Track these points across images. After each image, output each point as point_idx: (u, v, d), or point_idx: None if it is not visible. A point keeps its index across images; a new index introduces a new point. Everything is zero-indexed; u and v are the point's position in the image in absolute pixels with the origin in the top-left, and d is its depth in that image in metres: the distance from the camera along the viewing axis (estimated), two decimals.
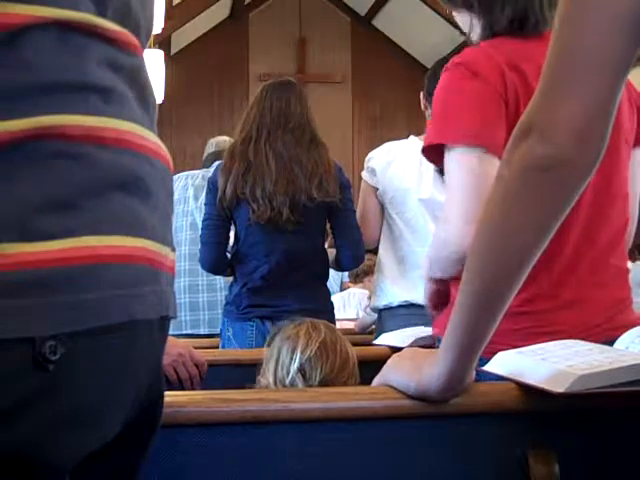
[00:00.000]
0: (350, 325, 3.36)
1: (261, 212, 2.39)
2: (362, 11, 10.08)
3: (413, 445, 1.08)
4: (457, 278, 1.48)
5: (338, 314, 4.09)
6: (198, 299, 3.04)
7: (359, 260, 2.64)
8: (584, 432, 1.11)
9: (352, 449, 1.07)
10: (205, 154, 3.41)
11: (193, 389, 1.71)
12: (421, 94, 2.51)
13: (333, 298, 4.50)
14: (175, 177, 3.02)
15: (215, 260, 2.51)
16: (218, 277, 2.89)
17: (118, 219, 0.70)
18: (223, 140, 3.29)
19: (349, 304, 4.48)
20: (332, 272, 3.43)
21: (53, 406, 0.66)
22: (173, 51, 9.45)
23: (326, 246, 2.67)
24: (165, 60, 6.65)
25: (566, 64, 0.85)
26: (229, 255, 2.55)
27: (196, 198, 3.09)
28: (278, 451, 1.06)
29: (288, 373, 1.47)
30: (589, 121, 0.85)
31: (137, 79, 0.78)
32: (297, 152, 2.43)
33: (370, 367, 1.35)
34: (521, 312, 1.34)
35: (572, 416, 1.11)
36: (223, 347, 2.49)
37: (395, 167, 2.53)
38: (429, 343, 1.69)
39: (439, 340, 1.51)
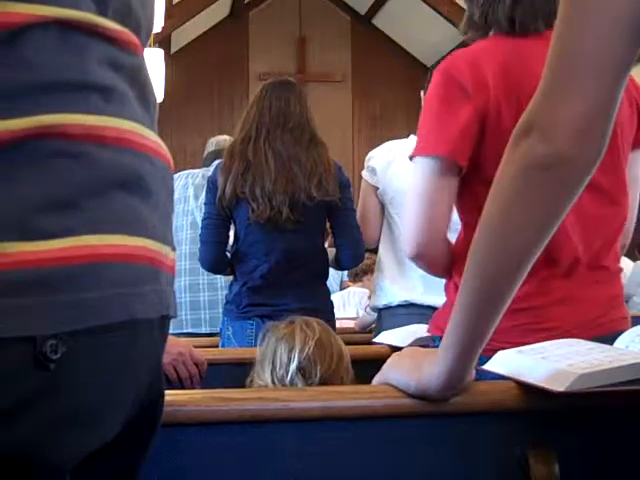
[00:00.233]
0: (350, 324, 3.37)
1: (260, 211, 2.39)
2: (362, 10, 10.08)
3: (413, 444, 1.08)
4: (456, 277, 1.51)
5: (338, 313, 4.09)
6: (199, 298, 3.04)
7: (359, 259, 2.64)
8: (584, 431, 1.11)
9: (352, 448, 1.07)
10: (205, 153, 3.41)
11: (193, 388, 1.71)
12: (421, 93, 2.51)
13: (333, 297, 4.50)
14: (175, 176, 3.02)
15: (215, 259, 2.51)
16: (219, 276, 2.90)
17: (119, 218, 0.70)
18: (223, 139, 3.29)
19: (349, 303, 4.48)
20: (332, 271, 3.43)
21: (54, 405, 0.66)
22: (173, 50, 9.45)
23: (326, 245, 2.66)
24: (165, 59, 6.65)
25: (566, 65, 0.85)
26: (229, 254, 2.55)
27: (196, 197, 3.09)
28: (278, 450, 1.06)
29: (287, 373, 1.47)
30: (589, 121, 0.85)
31: (138, 78, 0.78)
32: (296, 151, 2.43)
33: (370, 366, 1.35)
34: (517, 309, 1.34)
35: (572, 415, 1.11)
36: (223, 346, 2.49)
37: (395, 167, 2.53)
38: (429, 343, 1.69)
39: (435, 340, 1.52)
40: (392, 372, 1.11)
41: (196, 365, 1.74)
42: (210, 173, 2.58)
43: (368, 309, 3.05)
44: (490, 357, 1.18)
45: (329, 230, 2.65)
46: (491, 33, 1.53)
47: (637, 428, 1.11)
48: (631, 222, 1.57)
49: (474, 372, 1.06)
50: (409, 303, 2.54)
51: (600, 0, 0.82)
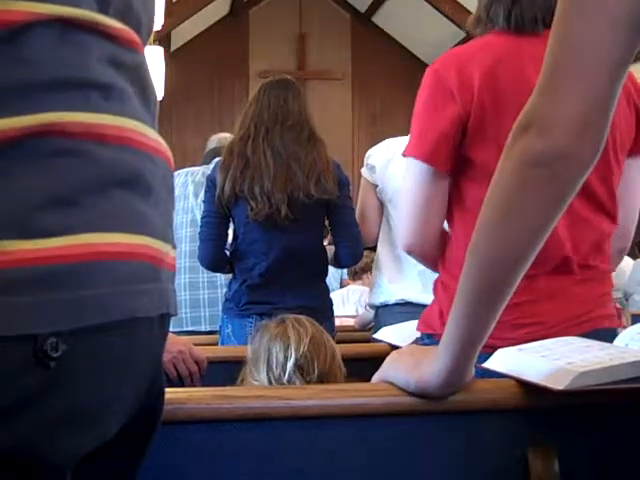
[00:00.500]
0: (350, 322, 3.36)
1: (259, 209, 2.39)
2: (362, 8, 10.07)
3: (414, 441, 1.08)
4: (443, 275, 1.52)
5: (337, 311, 4.09)
6: (199, 296, 3.04)
7: (357, 257, 2.64)
8: (584, 429, 1.11)
9: (353, 445, 1.07)
10: (206, 150, 3.41)
11: (193, 386, 1.71)
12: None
13: (332, 295, 4.50)
14: (175, 174, 3.02)
15: (214, 257, 2.52)
16: (218, 274, 2.90)
17: (118, 216, 0.70)
18: (224, 137, 3.29)
19: (348, 301, 4.49)
20: (332, 269, 3.42)
21: (54, 403, 0.66)
22: (173, 48, 9.44)
23: (326, 243, 2.67)
24: (165, 57, 6.64)
25: (564, 62, 0.85)
26: (228, 252, 2.55)
27: (196, 195, 3.09)
28: (279, 448, 1.06)
29: (285, 372, 1.47)
30: (588, 117, 0.85)
31: (138, 76, 0.78)
32: (295, 149, 2.43)
33: (370, 364, 1.35)
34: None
35: (572, 413, 1.11)
36: (222, 344, 2.49)
37: (395, 165, 2.53)
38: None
39: (425, 337, 1.53)
40: (392, 370, 1.11)
41: (196, 363, 1.74)
42: (210, 171, 2.59)
43: (368, 307, 3.05)
44: (489, 355, 1.19)
45: (329, 228, 2.65)
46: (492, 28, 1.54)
47: (637, 426, 1.11)
48: (632, 224, 1.58)
49: (473, 370, 1.06)
50: (406, 302, 2.55)
51: None
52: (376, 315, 2.67)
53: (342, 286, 5.18)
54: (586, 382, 1.03)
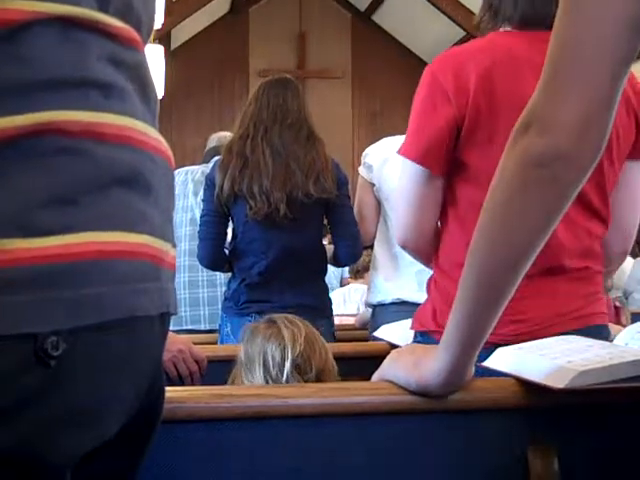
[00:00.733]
0: (350, 320, 3.36)
1: (258, 208, 2.40)
2: (362, 6, 10.07)
3: (414, 440, 1.08)
4: (436, 274, 1.52)
5: (339, 309, 4.09)
6: (198, 295, 3.04)
7: (356, 256, 2.65)
8: (584, 428, 1.11)
9: (352, 444, 1.07)
10: (206, 149, 3.41)
11: (193, 385, 1.71)
12: None
13: (334, 294, 4.51)
14: (175, 172, 3.02)
15: (213, 256, 2.52)
16: (218, 273, 2.90)
17: (118, 215, 0.70)
18: (224, 135, 3.28)
19: (350, 299, 4.48)
20: (332, 268, 3.42)
21: (54, 402, 0.66)
22: (173, 46, 9.44)
23: (326, 242, 2.67)
24: (165, 55, 6.64)
25: (566, 60, 0.85)
26: (227, 251, 2.56)
27: (196, 194, 3.09)
28: (278, 447, 1.06)
29: (282, 372, 1.47)
30: (589, 117, 0.85)
31: (138, 74, 0.78)
32: (294, 148, 2.43)
33: (369, 362, 1.35)
34: None
35: (572, 412, 1.11)
36: (222, 342, 2.49)
37: (392, 164, 2.53)
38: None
39: (419, 335, 1.53)
40: (392, 369, 1.11)
41: (196, 362, 1.74)
42: (209, 170, 2.59)
43: (365, 306, 3.05)
44: (485, 352, 1.19)
45: (328, 227, 2.66)
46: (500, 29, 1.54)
47: (637, 425, 1.11)
48: (634, 227, 1.57)
49: (473, 368, 1.06)
50: (402, 301, 2.55)
51: None
52: (373, 314, 2.68)
53: (342, 285, 5.18)
54: (586, 381, 1.03)
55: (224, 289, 2.70)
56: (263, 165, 2.40)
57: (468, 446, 1.09)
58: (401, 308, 2.50)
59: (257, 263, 2.46)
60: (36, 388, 0.64)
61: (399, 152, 1.52)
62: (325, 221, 2.58)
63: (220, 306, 2.70)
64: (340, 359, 1.90)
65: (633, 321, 2.84)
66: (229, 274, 2.63)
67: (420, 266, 1.76)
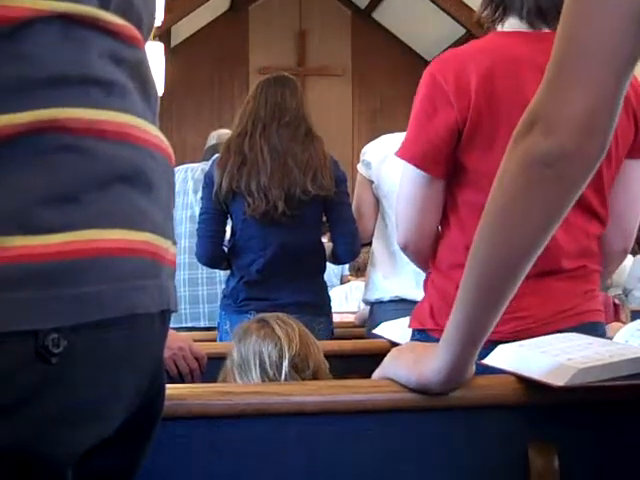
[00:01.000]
0: (350, 318, 3.36)
1: (256, 206, 2.40)
2: (362, 4, 10.06)
3: (413, 438, 1.09)
4: (433, 273, 1.52)
5: (340, 307, 4.10)
6: (198, 292, 3.04)
7: (355, 254, 2.66)
8: (584, 425, 1.11)
9: (353, 442, 1.07)
10: (206, 147, 3.41)
11: (193, 382, 1.71)
12: None
13: (335, 291, 4.51)
14: (175, 170, 3.02)
15: (211, 254, 2.53)
16: (218, 270, 2.90)
17: (119, 212, 0.70)
18: (224, 133, 3.28)
19: (352, 297, 4.48)
20: (332, 266, 3.42)
21: (55, 399, 0.66)
22: (173, 43, 9.43)
23: (325, 240, 2.67)
24: (165, 53, 6.64)
25: (572, 57, 0.84)
26: (226, 249, 2.56)
27: (195, 191, 3.09)
28: (279, 444, 1.06)
29: (280, 371, 1.46)
30: (593, 116, 0.84)
31: (139, 72, 0.78)
32: (292, 146, 2.43)
33: (370, 360, 1.35)
34: None
35: (572, 409, 1.11)
36: (221, 340, 2.49)
37: (390, 162, 2.53)
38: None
39: (416, 333, 1.53)
40: (393, 367, 1.11)
41: (196, 359, 1.74)
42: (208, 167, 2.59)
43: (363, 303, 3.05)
44: (488, 350, 1.19)
45: (327, 225, 2.66)
46: (498, 28, 1.54)
47: (637, 422, 1.11)
48: (634, 225, 1.57)
49: (474, 367, 1.06)
50: (400, 299, 2.55)
51: None
52: (371, 311, 2.68)
53: (342, 282, 5.18)
54: (586, 378, 1.03)
55: (223, 287, 2.70)
56: (261, 162, 2.41)
57: (468, 443, 1.09)
58: (400, 306, 2.50)
59: (256, 260, 2.46)
60: (37, 385, 0.64)
61: (398, 154, 1.51)
62: (324, 219, 2.59)
63: (219, 303, 2.70)
64: (340, 356, 1.90)
65: (633, 319, 2.84)
66: (229, 272, 2.63)
67: None
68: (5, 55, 0.65)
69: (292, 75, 2.69)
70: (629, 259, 4.59)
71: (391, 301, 2.58)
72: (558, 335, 1.23)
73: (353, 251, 2.61)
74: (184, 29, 9.28)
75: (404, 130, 2.50)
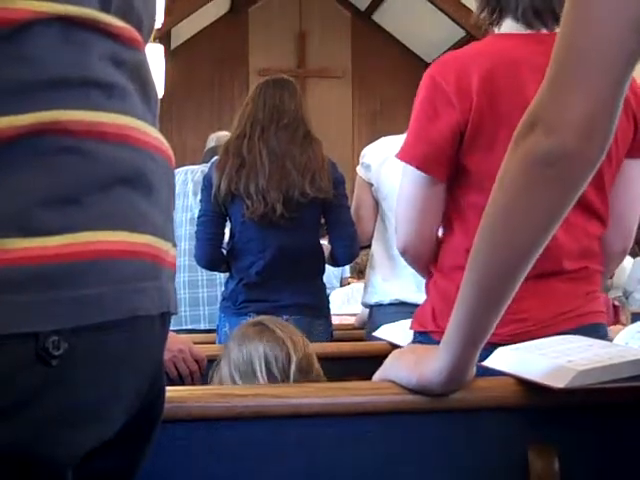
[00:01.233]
0: (351, 320, 3.36)
1: (255, 208, 2.41)
2: (362, 6, 10.06)
3: (413, 440, 1.09)
4: (436, 275, 1.52)
5: (341, 309, 4.09)
6: (198, 294, 3.04)
7: (353, 256, 2.66)
8: (584, 427, 1.11)
9: (352, 444, 1.07)
10: (205, 149, 3.42)
11: (193, 384, 1.71)
12: None
13: (336, 293, 4.51)
14: (175, 172, 3.02)
15: (211, 256, 2.53)
16: (217, 273, 2.90)
17: (120, 214, 0.70)
18: (224, 135, 3.29)
19: (353, 299, 4.48)
20: (332, 267, 3.41)
21: (55, 402, 0.66)
22: (173, 45, 9.43)
23: (326, 242, 2.67)
24: (165, 55, 6.64)
25: (571, 61, 0.85)
26: (225, 251, 2.56)
27: (195, 193, 3.09)
28: (278, 446, 1.06)
29: (288, 375, 1.45)
30: (593, 120, 0.85)
31: (139, 74, 0.78)
32: (290, 148, 2.44)
33: (369, 362, 1.35)
34: None
35: (572, 411, 1.11)
36: (220, 342, 2.49)
37: (390, 164, 2.53)
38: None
39: (418, 335, 1.53)
40: (393, 368, 1.11)
41: (196, 362, 1.74)
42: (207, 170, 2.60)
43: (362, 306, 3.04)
44: (488, 352, 1.19)
45: (325, 227, 2.66)
46: (496, 27, 1.54)
47: (637, 424, 1.11)
48: (634, 224, 1.57)
49: (475, 369, 1.06)
50: (400, 302, 2.55)
51: None
52: (370, 314, 2.67)
53: (342, 284, 5.19)
54: (586, 380, 1.03)
55: (223, 289, 2.70)
56: (259, 165, 2.41)
57: (468, 446, 1.09)
58: (400, 309, 2.50)
59: (255, 263, 2.47)
60: (37, 387, 0.64)
61: (399, 157, 1.51)
62: (323, 221, 2.59)
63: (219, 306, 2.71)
64: (339, 359, 1.90)
65: (633, 321, 2.84)
66: (228, 274, 2.63)
67: None
68: (5, 57, 0.65)
69: (292, 77, 2.70)
70: (629, 261, 4.59)
71: (391, 304, 2.57)
72: (558, 337, 1.23)
73: (351, 254, 2.62)
74: (184, 31, 9.29)
75: (404, 132, 2.50)
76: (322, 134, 2.57)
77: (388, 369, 1.12)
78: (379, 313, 2.58)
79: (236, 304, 2.49)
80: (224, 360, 1.52)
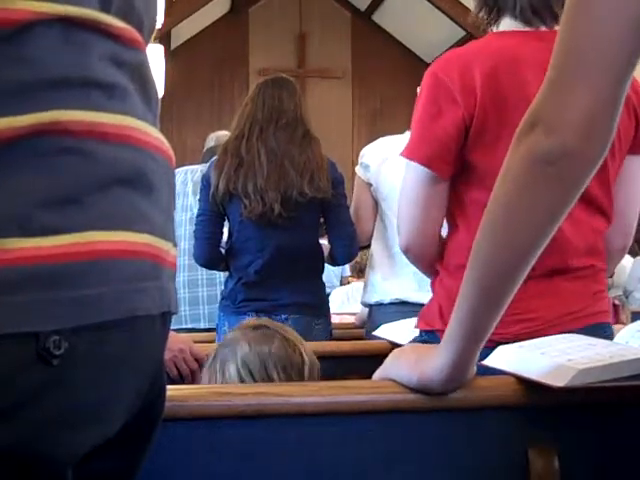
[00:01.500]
0: (350, 319, 3.37)
1: (253, 208, 2.41)
2: (362, 6, 10.06)
3: (413, 439, 1.09)
4: (442, 273, 1.52)
5: (342, 308, 4.10)
6: (197, 294, 3.04)
7: (352, 256, 2.67)
8: (584, 426, 1.11)
9: (353, 443, 1.07)
10: (205, 149, 3.42)
11: (194, 384, 1.71)
12: (418, 90, 2.50)
13: (336, 292, 4.51)
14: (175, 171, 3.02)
15: (209, 255, 2.54)
16: (217, 272, 2.91)
17: (120, 214, 0.70)
18: (223, 134, 3.29)
19: (353, 298, 4.48)
20: (332, 267, 3.41)
21: (56, 401, 0.66)
22: (173, 46, 9.43)
23: (325, 242, 2.67)
24: (165, 55, 6.65)
25: (571, 61, 0.85)
26: (223, 250, 2.56)
27: (195, 193, 3.09)
28: (279, 445, 1.06)
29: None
30: (595, 115, 0.85)
31: (140, 75, 0.78)
32: (289, 148, 2.44)
33: (369, 361, 1.35)
34: None
35: (572, 410, 1.11)
36: (220, 341, 2.49)
37: (389, 164, 2.53)
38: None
39: (424, 334, 1.53)
40: (394, 367, 1.11)
41: (196, 361, 1.74)
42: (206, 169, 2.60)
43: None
44: (487, 351, 1.19)
45: (324, 227, 2.66)
46: (494, 26, 1.54)
47: (637, 423, 1.11)
48: (633, 221, 1.57)
49: (475, 367, 1.06)
50: (401, 301, 2.54)
51: None
52: (370, 314, 2.67)
53: (342, 284, 5.19)
54: (586, 379, 1.03)
55: (223, 288, 2.71)
56: (258, 165, 2.42)
57: (469, 444, 1.09)
58: (400, 308, 2.49)
59: (253, 262, 2.47)
60: (37, 387, 0.64)
61: (405, 155, 1.50)
62: (322, 220, 2.59)
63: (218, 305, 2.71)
64: (339, 357, 1.90)
65: (633, 320, 2.84)
66: (228, 273, 2.64)
67: None
68: (6, 58, 0.65)
69: (292, 77, 2.70)
70: (629, 260, 4.59)
71: (391, 304, 2.57)
72: (558, 336, 1.23)
73: (350, 253, 2.62)
74: (184, 31, 9.29)
75: (404, 132, 2.49)
76: (322, 134, 2.57)
77: (389, 368, 1.12)
78: (379, 313, 2.57)
79: (235, 303, 2.50)
80: (231, 361, 1.48)
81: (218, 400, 1.05)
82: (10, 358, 0.63)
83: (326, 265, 2.69)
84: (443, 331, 1.43)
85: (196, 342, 1.85)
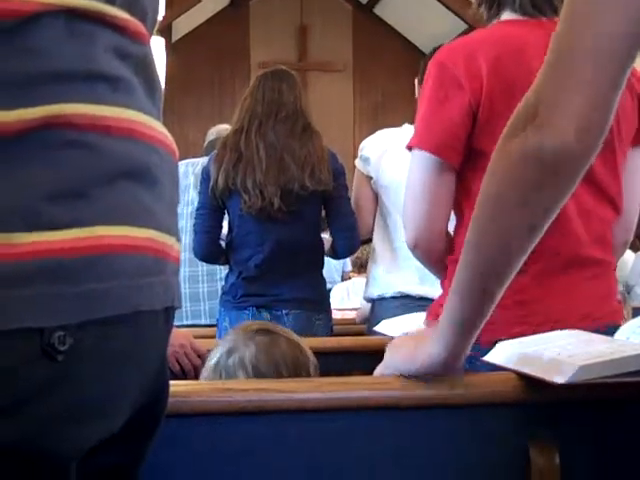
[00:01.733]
0: (351, 315, 3.36)
1: (252, 202, 2.40)
2: None
3: (414, 435, 1.09)
4: (450, 268, 1.52)
5: (342, 304, 4.09)
6: (198, 289, 3.04)
7: (354, 247, 2.65)
8: (585, 423, 1.12)
9: (355, 439, 1.07)
10: (206, 142, 3.41)
11: (196, 379, 1.71)
12: (415, 81, 2.49)
13: (337, 288, 4.51)
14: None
15: (208, 248, 2.53)
16: (218, 267, 2.90)
17: (125, 209, 0.70)
18: (224, 128, 3.28)
19: (354, 293, 4.48)
20: (333, 262, 3.41)
21: (61, 397, 0.66)
22: (174, 39, 9.42)
23: (327, 236, 2.67)
24: (166, 48, 6.64)
25: (567, 60, 0.85)
26: (223, 244, 2.56)
27: (196, 186, 3.08)
28: (280, 441, 1.06)
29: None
30: (590, 110, 0.85)
31: (144, 68, 0.78)
32: (289, 141, 2.43)
33: (370, 357, 1.35)
34: (516, 301, 1.35)
35: (573, 407, 1.11)
36: (220, 337, 2.49)
37: (389, 156, 2.52)
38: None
39: None
40: (392, 360, 1.11)
41: (198, 356, 1.74)
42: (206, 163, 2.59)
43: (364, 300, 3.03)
44: (491, 348, 1.19)
45: (325, 220, 2.65)
46: (495, 20, 1.54)
47: (637, 420, 1.11)
48: (635, 215, 1.57)
49: (478, 362, 1.06)
50: (403, 294, 2.53)
51: None
52: (372, 308, 2.66)
53: (344, 279, 5.18)
54: (587, 375, 1.03)
55: (223, 283, 2.70)
56: (257, 159, 2.41)
57: (469, 441, 1.10)
58: (402, 302, 2.48)
59: (253, 256, 2.46)
60: (42, 382, 0.64)
61: (412, 144, 1.48)
62: (323, 214, 2.58)
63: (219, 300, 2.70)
64: (340, 353, 1.90)
65: (634, 315, 2.84)
66: (228, 268, 2.63)
67: None
68: (14, 49, 0.65)
69: (293, 70, 2.68)
70: (631, 255, 4.58)
71: (394, 297, 2.56)
72: (559, 332, 1.23)
73: (352, 245, 2.60)
74: (185, 24, 9.28)
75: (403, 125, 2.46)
76: (323, 128, 2.56)
77: (388, 362, 1.12)
78: (382, 307, 2.56)
79: (235, 298, 2.49)
80: (240, 369, 1.46)
81: (219, 396, 1.06)
82: (15, 353, 0.63)
83: (327, 260, 2.68)
84: None
85: (197, 337, 1.85)
